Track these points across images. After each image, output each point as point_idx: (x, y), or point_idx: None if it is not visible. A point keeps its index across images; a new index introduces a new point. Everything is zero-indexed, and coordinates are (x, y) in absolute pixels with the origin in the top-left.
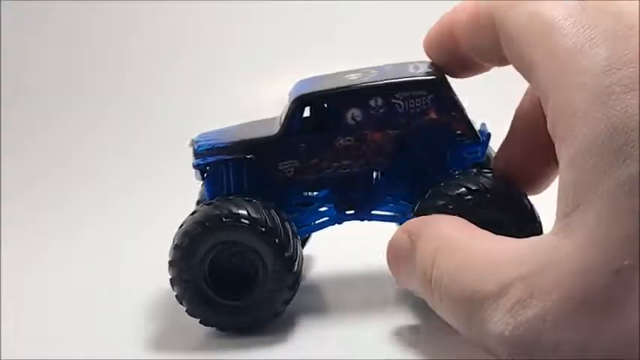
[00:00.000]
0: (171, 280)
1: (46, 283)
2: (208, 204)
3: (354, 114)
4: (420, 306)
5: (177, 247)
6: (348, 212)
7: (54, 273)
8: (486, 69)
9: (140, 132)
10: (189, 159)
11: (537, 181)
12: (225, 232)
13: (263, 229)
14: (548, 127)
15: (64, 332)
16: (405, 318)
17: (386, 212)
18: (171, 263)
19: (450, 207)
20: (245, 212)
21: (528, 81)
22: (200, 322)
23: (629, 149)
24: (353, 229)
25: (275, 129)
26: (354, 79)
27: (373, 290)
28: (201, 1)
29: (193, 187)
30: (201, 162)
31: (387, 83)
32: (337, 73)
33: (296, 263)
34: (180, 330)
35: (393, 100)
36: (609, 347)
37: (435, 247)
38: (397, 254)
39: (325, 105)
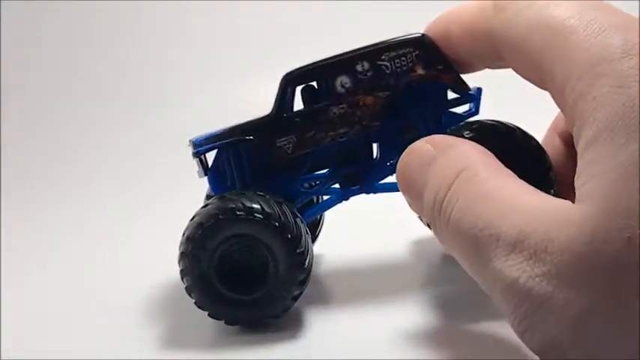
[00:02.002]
0: (181, 271)
1: (48, 283)
2: (221, 197)
3: (342, 81)
4: (427, 303)
5: (189, 239)
6: (353, 187)
7: (55, 272)
8: (479, 69)
9: (141, 131)
10: (190, 159)
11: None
12: (238, 225)
13: (276, 224)
14: (566, 122)
15: (67, 331)
16: (412, 315)
17: (389, 180)
18: (182, 255)
19: None
20: (258, 206)
21: (540, 86)
22: (208, 315)
23: None
24: (360, 227)
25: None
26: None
27: (380, 286)
28: (203, 1)
29: (193, 185)
30: (201, 149)
31: (371, 47)
32: (331, 56)
33: (307, 259)
34: (187, 328)
35: (379, 62)
36: (616, 311)
37: (459, 168)
38: (414, 162)
39: (314, 77)
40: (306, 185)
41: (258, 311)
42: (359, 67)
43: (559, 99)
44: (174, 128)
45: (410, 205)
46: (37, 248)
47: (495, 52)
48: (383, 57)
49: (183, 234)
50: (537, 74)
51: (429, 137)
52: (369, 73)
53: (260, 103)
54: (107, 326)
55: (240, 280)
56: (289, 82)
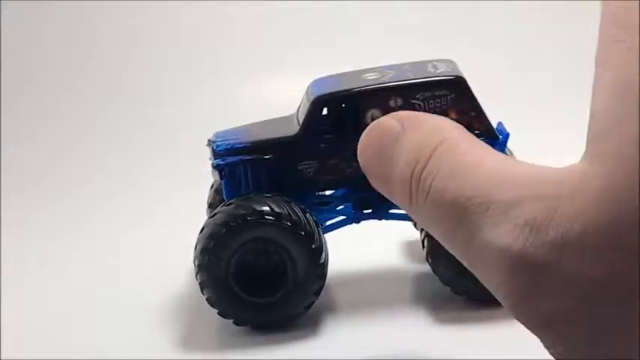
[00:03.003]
0: (201, 284)
1: (48, 283)
2: (228, 204)
3: (373, 114)
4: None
5: (204, 251)
6: (365, 211)
7: (56, 272)
8: None
9: (142, 131)
10: (189, 158)
11: None
12: (251, 230)
13: (288, 224)
14: (595, 58)
15: (67, 332)
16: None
17: (402, 211)
18: (199, 267)
19: None
20: (268, 208)
21: None
22: (234, 323)
23: None
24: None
25: (293, 129)
26: (372, 78)
27: (389, 289)
28: (205, 1)
29: (195, 185)
30: (221, 162)
31: (407, 83)
32: (354, 72)
33: (322, 254)
34: (191, 328)
35: (413, 101)
36: (636, 290)
37: (436, 141)
38: (380, 137)
39: (344, 105)
40: (316, 202)
41: (283, 310)
42: (392, 103)
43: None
44: (176, 127)
45: (374, 184)
46: (37, 248)
47: None
48: (417, 96)
49: (196, 247)
50: None
51: (393, 113)
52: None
53: (261, 104)
54: (107, 327)
55: (261, 284)
56: (320, 104)
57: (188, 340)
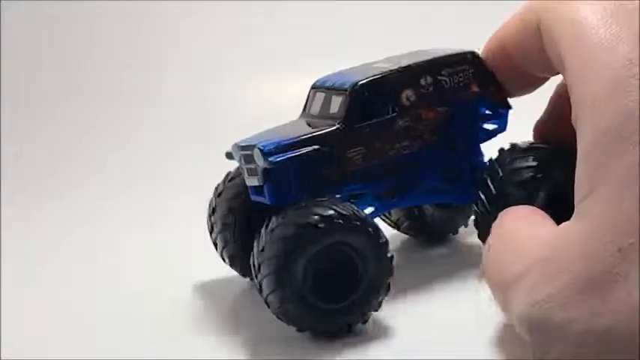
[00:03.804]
0: (273, 299)
1: (48, 283)
2: (285, 214)
3: (407, 95)
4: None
5: (278, 267)
6: (392, 199)
7: (56, 272)
8: (543, 81)
9: (142, 131)
10: (190, 158)
11: None
12: (322, 237)
13: (358, 223)
14: (572, 117)
15: (67, 332)
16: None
17: (426, 195)
18: (274, 284)
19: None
20: (334, 212)
21: (563, 77)
22: (312, 334)
23: (638, 136)
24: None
25: (325, 122)
26: (390, 65)
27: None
28: (204, 1)
29: (195, 185)
30: (275, 159)
31: (433, 60)
32: (361, 65)
33: (389, 247)
34: (196, 331)
35: (440, 77)
36: (610, 323)
37: (495, 233)
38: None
39: (382, 88)
40: (351, 194)
41: (359, 311)
42: (422, 81)
43: (570, 92)
44: (177, 127)
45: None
46: (37, 248)
47: (544, 51)
48: (443, 72)
49: (260, 268)
50: (560, 66)
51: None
52: (430, 88)
53: (262, 104)
54: (107, 327)
55: (335, 289)
56: (358, 92)
57: (188, 341)
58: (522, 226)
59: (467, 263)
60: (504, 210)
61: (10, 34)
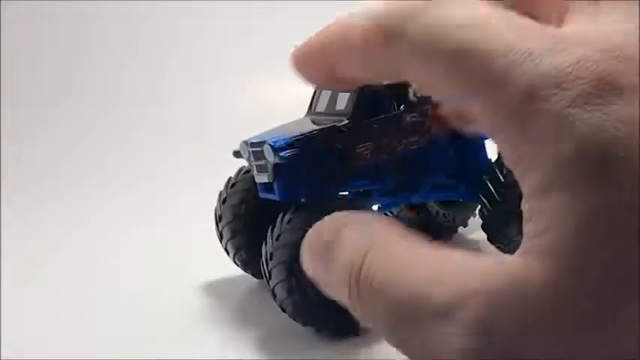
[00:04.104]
0: (286, 295)
1: (48, 283)
2: (302, 211)
3: (414, 90)
4: None
5: (290, 264)
6: (399, 195)
7: (56, 272)
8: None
9: (142, 131)
10: (190, 158)
11: None
12: None
13: None
14: (506, 157)
15: (67, 332)
16: None
17: (433, 191)
18: (286, 278)
19: None
20: (350, 207)
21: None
22: (316, 330)
23: (602, 171)
24: None
25: (327, 122)
26: None
27: None
28: (205, 2)
29: (195, 185)
30: (286, 154)
31: None
32: None
33: None
34: (196, 333)
35: None
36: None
37: (367, 242)
38: (314, 247)
39: (389, 85)
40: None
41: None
42: None
43: (491, 128)
44: (177, 127)
45: (319, 285)
46: (37, 248)
47: (397, 65)
48: None
49: (271, 258)
50: (464, 96)
51: (323, 219)
52: None
53: (263, 104)
54: (107, 326)
55: None
56: (366, 89)
57: (188, 343)
58: (417, 240)
59: None
60: (351, 211)
61: (10, 34)
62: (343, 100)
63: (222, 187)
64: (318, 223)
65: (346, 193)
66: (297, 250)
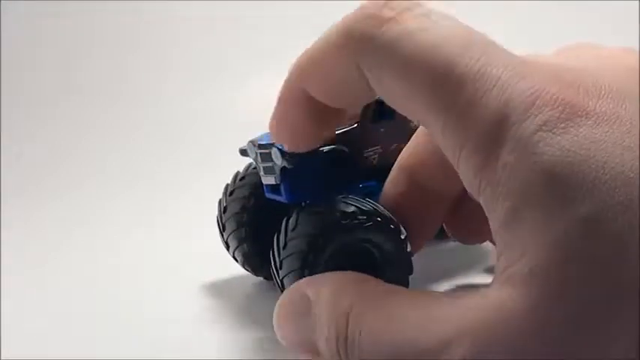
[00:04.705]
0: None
1: (48, 284)
2: (306, 210)
3: None
4: None
5: (301, 263)
6: None
7: (56, 272)
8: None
9: (142, 131)
10: (190, 158)
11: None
12: (344, 234)
13: (379, 219)
14: (469, 184)
15: (67, 333)
16: None
17: None
18: (292, 279)
19: None
20: (356, 208)
21: (424, 124)
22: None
23: (573, 192)
24: None
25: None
26: None
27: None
28: (205, 2)
29: (196, 185)
30: (294, 158)
31: None
32: None
33: (409, 242)
34: (196, 334)
35: None
36: None
37: (348, 302)
38: (291, 311)
39: None
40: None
41: None
42: None
43: (449, 148)
44: (177, 127)
45: (294, 350)
46: (37, 248)
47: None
48: None
49: (281, 267)
50: (420, 117)
51: (297, 282)
52: None
53: (262, 104)
54: (108, 327)
55: None
56: None
57: (195, 341)
58: (392, 291)
59: (471, 259)
60: (324, 273)
61: (10, 34)
62: None
63: (222, 187)
64: (293, 286)
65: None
66: (306, 258)
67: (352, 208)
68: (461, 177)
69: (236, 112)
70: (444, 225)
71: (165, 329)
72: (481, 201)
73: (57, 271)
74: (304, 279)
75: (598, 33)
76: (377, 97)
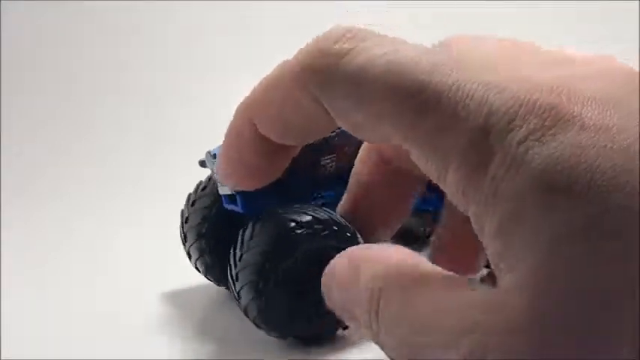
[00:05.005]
0: (250, 304)
1: (48, 284)
2: (263, 221)
3: None
4: None
5: (257, 272)
6: None
7: (56, 272)
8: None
9: (142, 131)
10: (190, 158)
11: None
12: (302, 243)
13: (335, 228)
14: (456, 200)
15: (67, 333)
16: None
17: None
18: (250, 288)
19: None
20: (311, 218)
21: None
22: (279, 337)
23: (567, 198)
24: None
25: None
26: None
27: None
28: (205, 2)
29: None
30: None
31: None
32: None
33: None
34: (198, 335)
35: None
36: None
37: (383, 280)
38: (337, 279)
39: None
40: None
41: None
42: None
43: (429, 168)
44: (177, 127)
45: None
46: (37, 248)
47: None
48: None
49: (240, 277)
50: (398, 140)
51: (345, 252)
52: None
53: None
54: (107, 327)
55: (312, 295)
56: None
57: (187, 346)
58: (424, 276)
59: None
60: (373, 244)
61: (10, 34)
62: None
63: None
64: (335, 259)
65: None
66: (261, 269)
67: (308, 218)
68: (447, 194)
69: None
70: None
71: (169, 329)
72: (470, 216)
73: (57, 271)
74: (352, 248)
75: (598, 33)
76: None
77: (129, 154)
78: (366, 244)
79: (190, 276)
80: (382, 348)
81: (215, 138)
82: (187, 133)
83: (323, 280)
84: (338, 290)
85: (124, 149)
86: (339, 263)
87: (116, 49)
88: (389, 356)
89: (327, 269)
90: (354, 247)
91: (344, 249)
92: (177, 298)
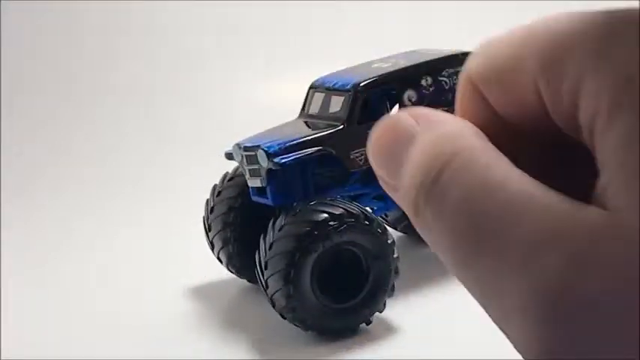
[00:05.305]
0: (280, 296)
1: (48, 284)
2: (296, 213)
3: (409, 95)
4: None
5: (289, 263)
6: (389, 200)
7: (55, 272)
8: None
9: (142, 131)
10: (190, 158)
11: None
12: (333, 236)
13: (367, 223)
14: (582, 120)
15: (67, 333)
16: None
17: None
18: (282, 279)
19: None
20: (344, 211)
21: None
22: (317, 334)
23: None
24: None
25: (320, 125)
26: (389, 65)
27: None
28: (205, 1)
29: (196, 184)
30: (280, 160)
31: (433, 61)
32: (362, 65)
33: (395, 247)
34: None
35: (440, 78)
36: None
37: (451, 150)
38: (393, 135)
39: (383, 89)
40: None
41: (368, 308)
42: (423, 82)
43: (567, 93)
44: (177, 126)
45: (383, 185)
46: (37, 248)
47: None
48: (444, 73)
49: (268, 267)
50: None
51: (408, 109)
52: (431, 88)
53: (261, 104)
54: (107, 326)
55: (340, 288)
56: (360, 93)
57: (191, 341)
58: (502, 167)
59: None
60: (437, 111)
61: (10, 34)
62: (337, 103)
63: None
64: (398, 113)
65: (339, 197)
66: (292, 258)
67: (340, 211)
68: (581, 115)
69: (236, 112)
70: None
71: (169, 329)
72: (596, 136)
73: (57, 271)
74: (416, 108)
75: None
76: (364, 97)
77: (129, 153)
78: (430, 109)
79: (192, 276)
80: (422, 229)
81: (215, 138)
82: (187, 132)
83: (375, 134)
84: (394, 141)
85: (124, 149)
86: (404, 118)
87: (116, 50)
88: (434, 248)
89: (385, 121)
90: (414, 108)
91: (374, 244)
92: (177, 298)
